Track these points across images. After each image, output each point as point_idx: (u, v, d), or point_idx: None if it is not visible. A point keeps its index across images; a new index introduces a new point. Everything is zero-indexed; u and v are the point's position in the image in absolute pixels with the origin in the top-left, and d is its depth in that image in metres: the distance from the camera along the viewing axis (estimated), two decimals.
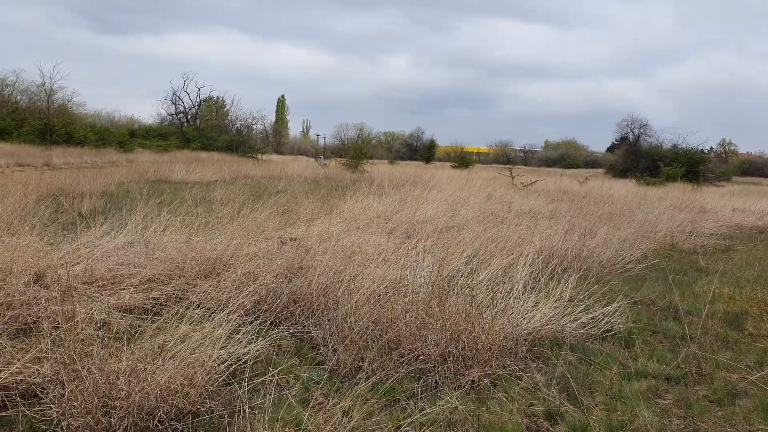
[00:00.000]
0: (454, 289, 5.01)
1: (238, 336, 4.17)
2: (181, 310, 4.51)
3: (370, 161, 33.24)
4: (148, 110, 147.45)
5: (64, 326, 3.87)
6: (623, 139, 55.06)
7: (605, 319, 5.27)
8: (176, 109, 56.88)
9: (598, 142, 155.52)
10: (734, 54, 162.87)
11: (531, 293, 5.40)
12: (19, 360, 3.50)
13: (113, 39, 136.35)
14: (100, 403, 3.16)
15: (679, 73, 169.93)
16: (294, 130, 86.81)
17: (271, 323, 4.88)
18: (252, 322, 4.68)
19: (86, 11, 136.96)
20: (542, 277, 5.86)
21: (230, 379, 3.76)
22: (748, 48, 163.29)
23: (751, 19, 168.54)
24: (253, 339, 4.28)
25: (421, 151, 69.49)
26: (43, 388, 3.39)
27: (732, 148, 75.78)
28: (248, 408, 3.34)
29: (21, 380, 3.45)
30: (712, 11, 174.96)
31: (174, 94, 56.82)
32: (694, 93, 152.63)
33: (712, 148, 60.14)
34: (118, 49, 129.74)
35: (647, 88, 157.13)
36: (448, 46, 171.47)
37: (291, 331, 4.82)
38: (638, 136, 51.47)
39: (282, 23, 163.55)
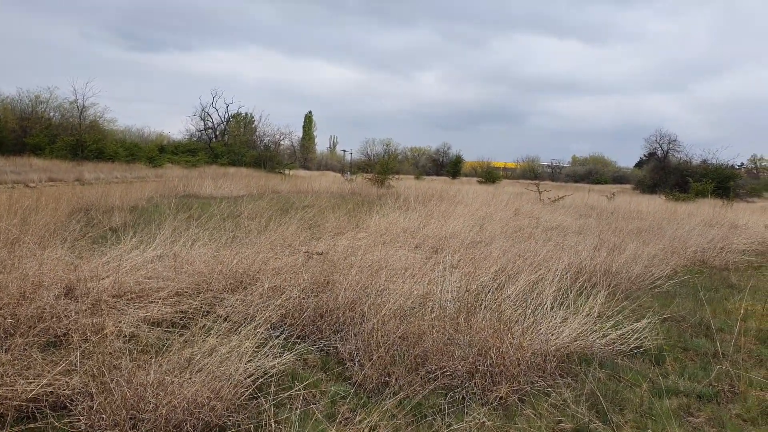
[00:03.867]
0: (481, 305, 4.96)
1: (265, 350, 4.18)
2: (208, 323, 4.54)
3: (396, 176, 33.29)
4: (177, 126, 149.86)
5: (93, 339, 3.93)
6: (651, 155, 54.38)
7: (635, 336, 5.16)
8: (205, 125, 57.85)
9: (627, 158, 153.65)
10: None
11: (559, 309, 5.32)
12: (49, 372, 3.56)
13: (146, 56, 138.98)
14: (128, 416, 3.19)
15: (716, 87, 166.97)
16: (321, 145, 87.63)
17: (297, 337, 4.89)
18: (278, 336, 4.69)
19: (120, 29, 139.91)
20: (571, 292, 5.77)
21: (256, 393, 3.76)
22: None
23: None
24: (279, 353, 4.28)
25: (448, 166, 69.57)
26: (73, 400, 3.43)
27: (763, 163, 74.17)
28: (275, 422, 3.34)
29: (51, 392, 3.49)
30: (753, 26, 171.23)
31: (203, 110, 57.99)
32: (731, 108, 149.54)
33: (742, 163, 58.91)
34: (151, 65, 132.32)
35: (682, 103, 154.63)
36: (480, 62, 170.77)
37: (317, 345, 4.82)
38: (667, 152, 50.80)
39: (314, 40, 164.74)
